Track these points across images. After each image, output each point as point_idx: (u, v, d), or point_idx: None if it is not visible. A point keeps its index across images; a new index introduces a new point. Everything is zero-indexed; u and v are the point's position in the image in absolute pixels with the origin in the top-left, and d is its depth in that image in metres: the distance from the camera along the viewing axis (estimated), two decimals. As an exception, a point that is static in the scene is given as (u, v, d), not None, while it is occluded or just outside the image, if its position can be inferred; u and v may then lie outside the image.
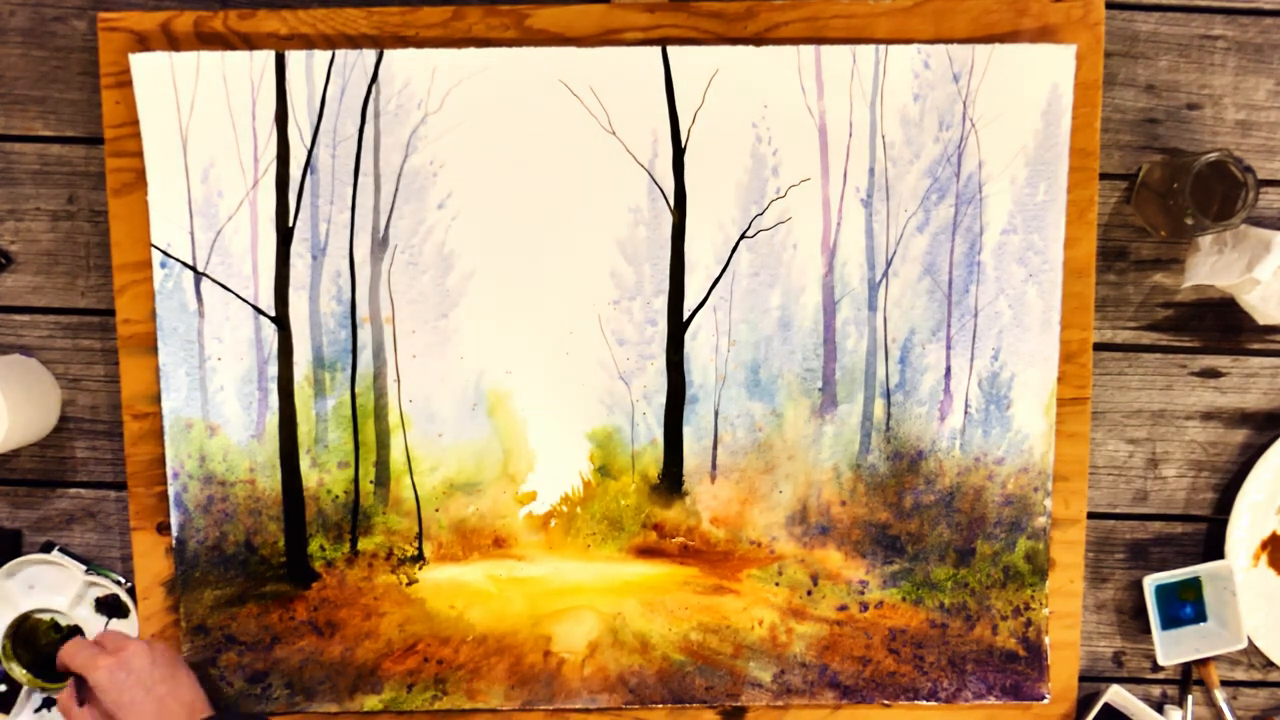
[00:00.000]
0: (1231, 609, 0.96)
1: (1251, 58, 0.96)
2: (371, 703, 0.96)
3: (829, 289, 0.94)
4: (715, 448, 0.95)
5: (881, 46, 0.92)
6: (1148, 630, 0.99)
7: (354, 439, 0.94)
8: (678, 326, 0.94)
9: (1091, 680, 1.01)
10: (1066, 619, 0.97)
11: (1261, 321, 0.94)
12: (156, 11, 0.92)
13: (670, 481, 0.96)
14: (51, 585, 0.97)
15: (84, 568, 0.97)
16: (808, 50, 0.92)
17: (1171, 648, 0.98)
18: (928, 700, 0.98)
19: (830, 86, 0.92)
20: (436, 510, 0.95)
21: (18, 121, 0.95)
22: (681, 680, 0.97)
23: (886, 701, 0.98)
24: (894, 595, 0.97)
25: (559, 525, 0.96)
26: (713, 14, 0.92)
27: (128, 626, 0.97)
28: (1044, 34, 0.93)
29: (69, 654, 0.88)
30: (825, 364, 0.95)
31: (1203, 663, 1.00)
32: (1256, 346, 0.99)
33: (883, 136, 0.93)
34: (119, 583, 0.97)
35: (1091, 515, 1.00)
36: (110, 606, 0.97)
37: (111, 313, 0.95)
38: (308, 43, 0.92)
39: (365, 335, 0.94)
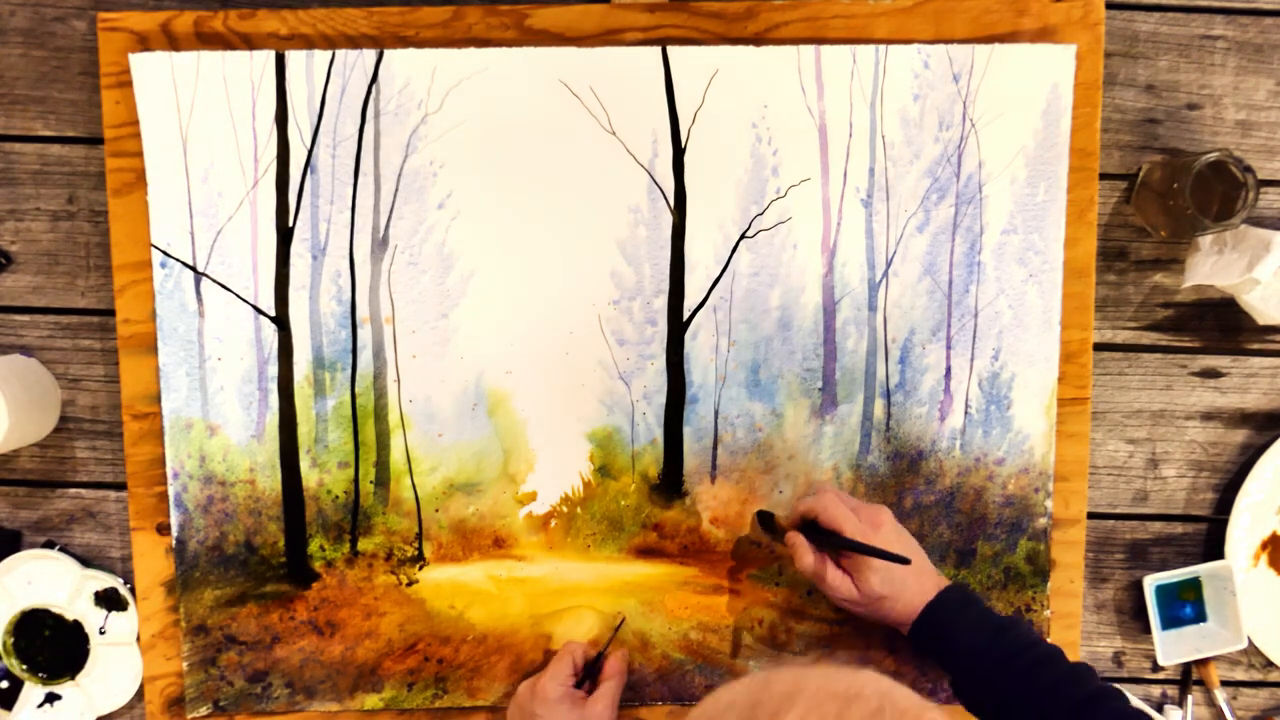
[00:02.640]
0: (1231, 609, 0.96)
1: (1251, 58, 0.96)
2: (372, 701, 0.97)
3: (829, 289, 0.94)
4: (715, 448, 0.95)
5: (881, 47, 0.92)
6: (1148, 630, 0.99)
7: (354, 439, 0.94)
8: (678, 326, 0.94)
9: (1091, 680, 1.01)
10: (1067, 619, 0.97)
11: (1261, 321, 0.94)
12: (156, 11, 0.92)
13: (670, 482, 0.96)
14: (49, 580, 0.97)
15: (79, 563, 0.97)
16: (808, 50, 0.92)
17: (1171, 648, 0.98)
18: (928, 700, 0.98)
19: (830, 86, 0.92)
20: (436, 510, 0.95)
21: (18, 121, 0.95)
22: (681, 679, 0.97)
23: (886, 701, 0.98)
24: (894, 595, 0.97)
25: (559, 525, 0.96)
26: (713, 14, 0.92)
27: (127, 619, 0.97)
28: (1044, 34, 0.93)
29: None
30: (825, 364, 0.95)
31: (1203, 663, 1.00)
32: (1256, 347, 0.99)
33: (883, 136, 0.93)
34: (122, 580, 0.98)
35: (1091, 515, 1.00)
36: (109, 600, 0.97)
37: (111, 313, 0.95)
38: (308, 43, 0.92)
39: (365, 335, 0.94)
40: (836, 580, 0.87)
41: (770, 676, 0.47)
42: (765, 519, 0.95)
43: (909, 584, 0.86)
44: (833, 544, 0.87)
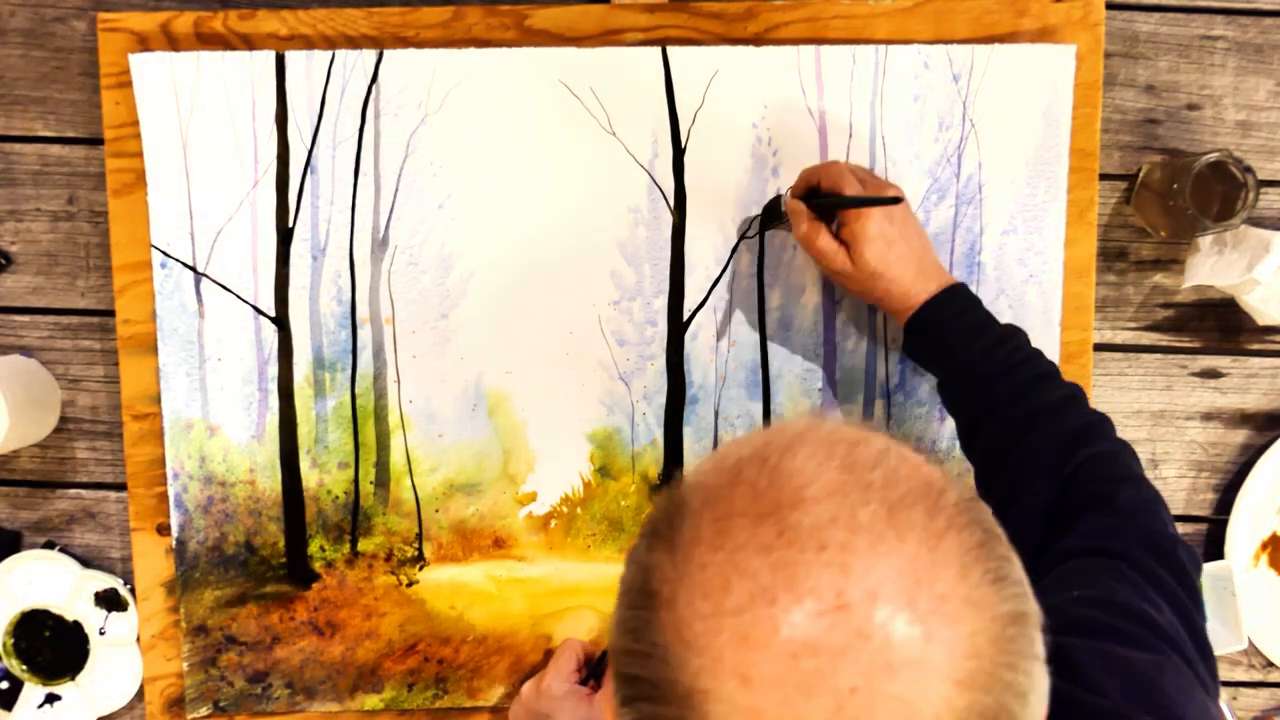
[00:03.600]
0: (1231, 609, 0.96)
1: (1252, 58, 0.96)
2: (372, 702, 0.97)
3: (829, 289, 0.94)
4: (716, 448, 0.95)
5: (881, 47, 0.92)
6: (1147, 630, 0.99)
7: (354, 440, 0.94)
8: (678, 327, 0.94)
9: (1091, 680, 1.01)
10: (1066, 619, 0.97)
11: (1261, 322, 0.94)
12: (156, 12, 0.92)
13: (670, 482, 0.96)
14: (49, 581, 0.97)
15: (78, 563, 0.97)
16: (808, 50, 0.92)
17: (1171, 648, 0.98)
18: (927, 700, 0.97)
19: (830, 87, 0.92)
20: (436, 511, 0.95)
21: (18, 122, 0.95)
22: (681, 680, 0.97)
23: (886, 701, 0.98)
24: (894, 595, 0.97)
25: (559, 526, 0.96)
26: (713, 14, 0.92)
27: (127, 620, 0.97)
28: (1044, 34, 0.93)
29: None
30: (825, 364, 0.95)
31: (1202, 663, 1.00)
32: (1256, 347, 0.99)
33: (882, 137, 0.93)
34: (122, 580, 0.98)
35: (1091, 515, 1.00)
36: (109, 600, 0.97)
37: (111, 313, 0.95)
38: (308, 43, 0.92)
39: (365, 336, 0.94)
40: (831, 249, 0.83)
41: (785, 424, 0.50)
42: (771, 205, 0.92)
43: (908, 268, 0.83)
44: (828, 204, 0.84)
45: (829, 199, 0.84)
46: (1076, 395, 0.81)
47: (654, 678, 0.45)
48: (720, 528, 0.45)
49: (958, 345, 0.82)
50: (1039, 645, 0.46)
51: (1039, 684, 0.46)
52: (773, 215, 0.93)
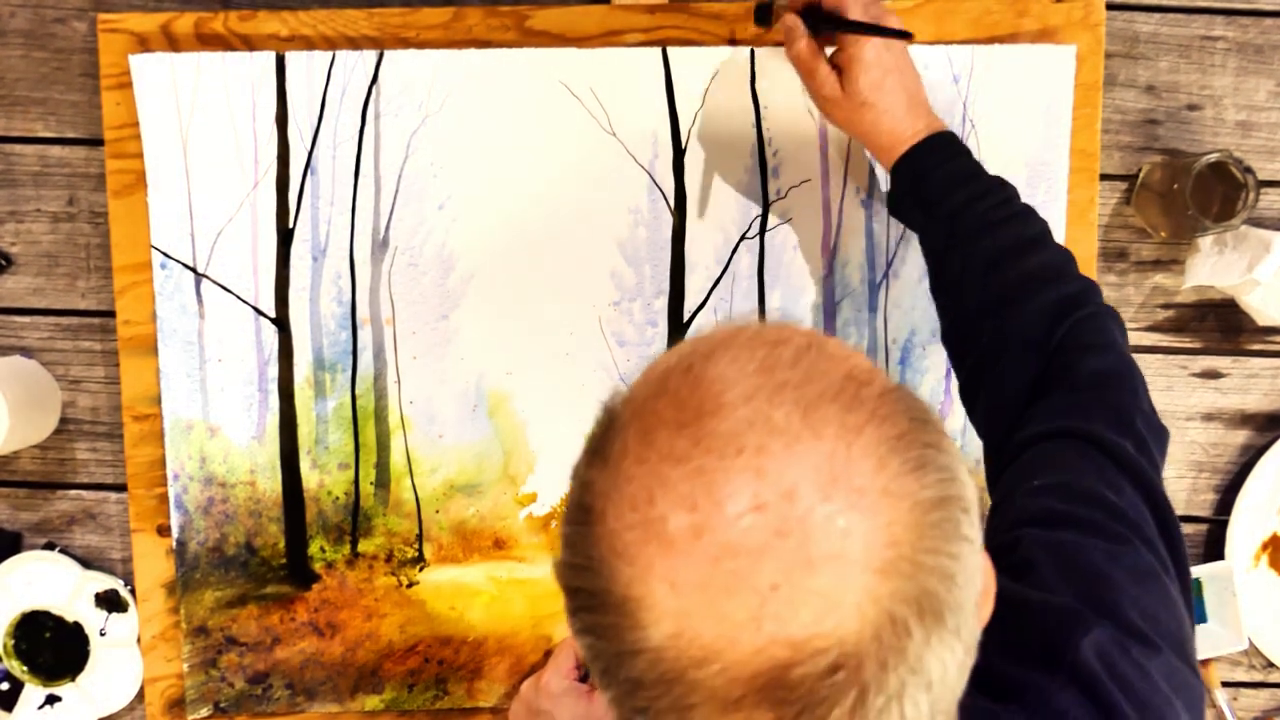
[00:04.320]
0: (1232, 609, 0.96)
1: (1252, 59, 0.96)
2: (373, 703, 0.97)
3: (829, 290, 0.94)
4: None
5: (882, 47, 0.92)
6: (1148, 631, 0.99)
7: (354, 440, 0.94)
8: (678, 328, 0.94)
9: (1092, 681, 1.01)
10: (1067, 620, 0.97)
11: (1262, 323, 0.94)
12: (157, 13, 0.92)
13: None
14: (50, 581, 0.97)
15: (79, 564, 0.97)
16: (808, 51, 0.92)
17: (1172, 648, 0.98)
18: (928, 701, 0.97)
19: (830, 87, 0.92)
20: (437, 512, 0.95)
21: (18, 123, 0.95)
22: (682, 681, 0.97)
23: (887, 702, 0.98)
24: (894, 596, 0.96)
25: (559, 527, 0.96)
26: (713, 15, 0.92)
27: (127, 621, 0.97)
28: (1044, 35, 0.93)
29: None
30: (825, 365, 0.95)
31: (1203, 664, 1.00)
32: (1257, 348, 0.99)
33: (883, 137, 0.93)
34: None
35: (1092, 516, 1.00)
36: (109, 601, 0.97)
37: (112, 314, 0.95)
38: (308, 44, 0.92)
39: (366, 336, 0.94)
40: (824, 73, 0.80)
41: (711, 330, 0.50)
42: (762, 10, 0.87)
43: (899, 100, 0.79)
44: (830, 26, 0.79)
45: (832, 20, 0.79)
46: (1065, 261, 0.77)
47: (591, 589, 0.46)
48: (646, 439, 0.46)
49: (941, 195, 0.79)
50: (967, 527, 0.46)
51: (968, 565, 0.46)
52: (763, 19, 0.87)
